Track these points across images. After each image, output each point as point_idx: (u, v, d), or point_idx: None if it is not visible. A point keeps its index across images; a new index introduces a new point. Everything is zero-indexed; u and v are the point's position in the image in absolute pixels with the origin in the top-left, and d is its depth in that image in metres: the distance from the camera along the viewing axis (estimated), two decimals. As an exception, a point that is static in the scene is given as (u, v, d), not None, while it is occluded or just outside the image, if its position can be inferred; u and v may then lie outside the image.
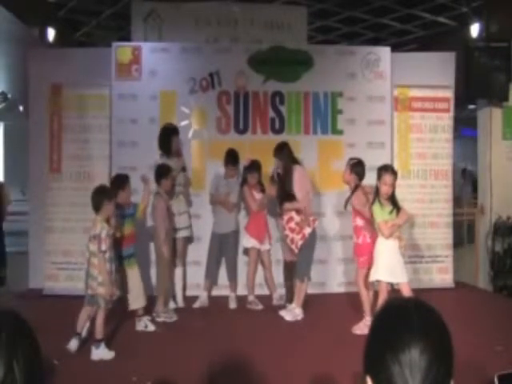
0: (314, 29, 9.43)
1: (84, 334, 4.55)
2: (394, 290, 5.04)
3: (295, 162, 5.60)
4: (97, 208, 4.36)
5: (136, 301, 4.98)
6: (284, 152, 5.58)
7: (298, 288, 5.51)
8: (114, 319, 5.07)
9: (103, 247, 4.26)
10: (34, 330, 1.13)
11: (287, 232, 5.54)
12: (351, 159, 5.31)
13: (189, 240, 6.16)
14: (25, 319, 1.13)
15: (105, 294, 4.28)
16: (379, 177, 4.75)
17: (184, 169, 5.95)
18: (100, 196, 4.38)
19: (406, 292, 4.64)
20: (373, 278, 4.83)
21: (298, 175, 5.48)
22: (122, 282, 4.84)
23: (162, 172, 5.47)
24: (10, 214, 7.65)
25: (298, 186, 5.46)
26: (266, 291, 6.20)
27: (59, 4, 8.52)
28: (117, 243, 4.72)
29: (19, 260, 6.81)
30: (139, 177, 5.34)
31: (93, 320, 4.45)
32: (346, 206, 5.26)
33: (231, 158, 5.93)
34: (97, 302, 4.33)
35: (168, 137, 5.82)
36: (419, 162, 6.77)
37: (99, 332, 4.32)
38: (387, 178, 4.70)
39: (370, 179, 5.16)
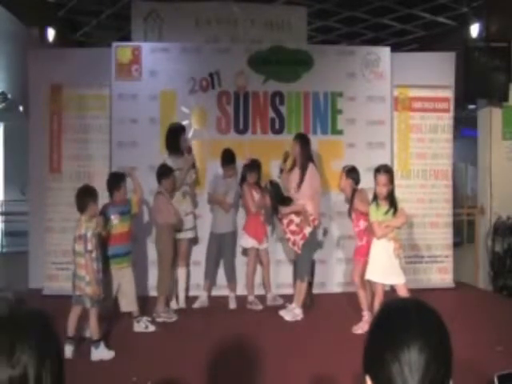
0: (314, 29, 9.41)
1: (85, 334, 4.56)
2: (392, 290, 5.04)
3: (310, 159, 5.63)
4: (81, 208, 4.38)
5: (130, 304, 4.97)
6: (308, 143, 5.62)
7: (298, 288, 5.52)
8: (114, 319, 5.07)
9: (89, 247, 4.26)
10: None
11: (288, 235, 5.55)
12: (345, 166, 5.38)
13: (193, 241, 6.17)
14: (51, 320, 1.14)
15: (92, 294, 4.28)
16: (374, 178, 4.77)
17: (194, 165, 5.96)
18: (85, 197, 4.40)
19: (403, 293, 4.64)
20: (366, 276, 4.88)
21: (310, 173, 5.50)
22: (109, 282, 4.82)
23: (162, 172, 5.50)
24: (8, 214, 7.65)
25: (308, 183, 5.47)
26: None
27: (59, 4, 8.50)
28: (104, 242, 4.72)
29: (19, 260, 6.80)
30: (128, 173, 5.29)
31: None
32: (350, 214, 5.27)
33: (226, 158, 5.94)
34: (83, 302, 4.32)
35: (176, 136, 5.86)
36: (419, 162, 6.78)
37: (95, 332, 4.32)
38: (380, 178, 4.70)
39: (369, 179, 5.17)
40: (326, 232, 6.17)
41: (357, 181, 5.27)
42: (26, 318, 1.11)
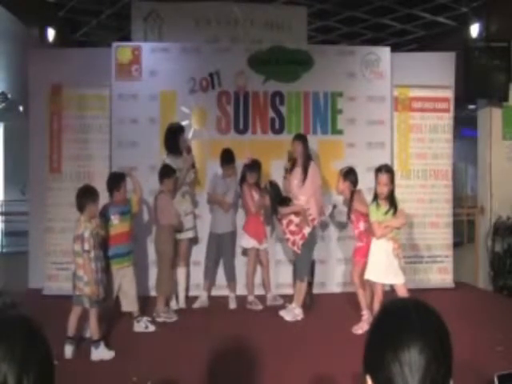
0: (313, 29, 9.42)
1: (86, 334, 4.57)
2: (392, 290, 5.04)
3: (310, 158, 5.66)
4: (81, 208, 4.39)
5: (131, 303, 4.97)
6: (307, 143, 5.65)
7: (298, 288, 5.52)
8: (114, 319, 5.07)
9: (86, 247, 4.27)
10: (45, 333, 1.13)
11: (288, 235, 5.55)
12: (342, 168, 5.39)
13: (193, 241, 6.17)
14: (38, 325, 1.13)
15: (91, 294, 4.28)
16: (375, 177, 4.78)
17: (193, 165, 5.96)
18: (84, 197, 4.40)
19: (402, 293, 4.65)
20: (365, 276, 4.89)
21: (312, 171, 5.53)
22: (110, 282, 4.81)
23: (165, 172, 5.51)
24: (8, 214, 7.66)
25: (311, 181, 5.50)
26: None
27: (59, 4, 8.51)
28: (105, 242, 4.71)
29: (19, 260, 6.80)
30: (127, 173, 5.29)
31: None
32: (349, 216, 5.28)
33: (225, 158, 5.95)
34: (82, 302, 4.33)
35: (175, 136, 5.85)
36: (419, 161, 6.77)
37: (95, 332, 4.32)
38: (381, 177, 4.71)
39: (369, 180, 5.17)
40: (335, 206, 6.08)
41: (355, 183, 5.28)
42: (8, 325, 1.10)
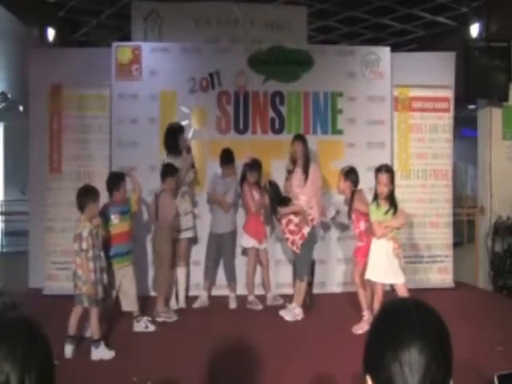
0: (313, 29, 9.43)
1: (86, 334, 4.57)
2: (392, 290, 5.04)
3: (310, 158, 5.68)
4: (81, 208, 4.39)
5: (131, 303, 4.98)
6: (306, 143, 5.66)
7: (298, 287, 5.52)
8: (114, 319, 5.08)
9: (84, 246, 4.27)
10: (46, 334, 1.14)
11: (287, 235, 5.55)
12: (343, 168, 5.39)
13: (193, 240, 6.17)
14: (39, 325, 1.14)
15: (88, 293, 4.29)
16: (375, 177, 4.78)
17: (193, 165, 5.97)
18: (84, 197, 4.41)
19: (402, 293, 4.65)
20: (366, 276, 4.89)
21: (312, 171, 5.55)
22: (112, 282, 4.82)
23: (168, 170, 5.51)
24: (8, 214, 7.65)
25: (311, 181, 5.52)
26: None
27: (59, 4, 8.51)
28: (105, 242, 4.71)
29: (19, 260, 6.80)
30: (127, 173, 5.29)
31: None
32: (349, 216, 5.28)
33: (225, 158, 5.95)
34: (81, 301, 4.34)
35: (175, 136, 5.85)
36: (419, 161, 6.77)
37: (96, 332, 4.32)
38: (381, 177, 4.72)
39: (369, 180, 5.18)
40: (338, 212, 6.02)
41: (356, 182, 5.28)
42: (9, 326, 1.11)
